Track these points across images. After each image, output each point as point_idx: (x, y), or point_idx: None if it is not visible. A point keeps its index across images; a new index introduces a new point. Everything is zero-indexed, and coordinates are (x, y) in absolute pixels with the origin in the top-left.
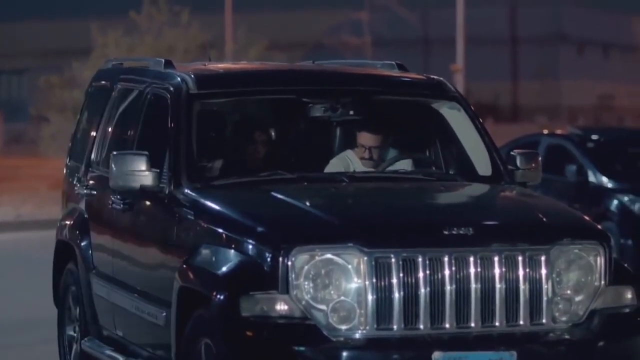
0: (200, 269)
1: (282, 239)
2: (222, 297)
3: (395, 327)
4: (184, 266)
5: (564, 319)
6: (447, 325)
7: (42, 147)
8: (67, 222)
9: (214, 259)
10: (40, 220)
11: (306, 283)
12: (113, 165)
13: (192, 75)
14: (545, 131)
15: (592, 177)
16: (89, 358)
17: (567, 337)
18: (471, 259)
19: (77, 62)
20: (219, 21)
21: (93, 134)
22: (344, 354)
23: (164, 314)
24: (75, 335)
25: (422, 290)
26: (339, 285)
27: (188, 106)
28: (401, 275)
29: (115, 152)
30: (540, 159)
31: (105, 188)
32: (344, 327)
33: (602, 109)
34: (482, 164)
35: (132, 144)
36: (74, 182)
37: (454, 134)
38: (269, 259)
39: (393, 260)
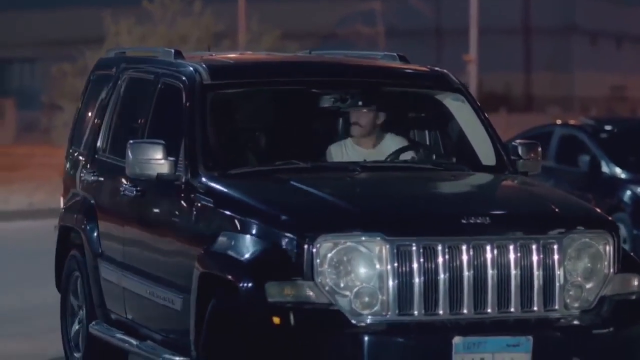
0: (224, 256)
1: (307, 227)
2: (247, 283)
3: (416, 312)
4: (206, 253)
5: (575, 305)
6: (465, 311)
7: (54, 135)
8: (72, 208)
9: (237, 246)
10: (52, 209)
11: (330, 270)
12: (130, 153)
13: (205, 66)
14: (559, 122)
15: (605, 168)
16: (97, 341)
17: (578, 322)
18: (488, 247)
19: (90, 50)
20: (231, 10)
21: (97, 121)
22: (368, 338)
23: (181, 298)
24: (80, 319)
25: (442, 277)
26: (362, 272)
27: (202, 96)
28: (421, 262)
29: (132, 141)
30: (539, 149)
31: (115, 175)
32: (366, 313)
33: (614, 100)
34: (486, 154)
35: (142, 133)
36: (80, 169)
37: (457, 124)
38: (294, 247)
39: (414, 248)
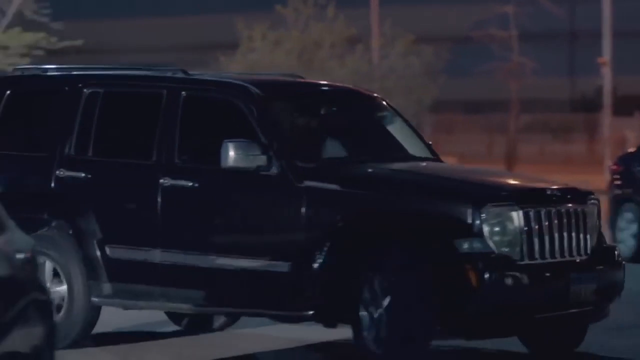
0: (393, 224)
1: (478, 200)
2: (441, 241)
3: (537, 257)
4: (355, 224)
5: (589, 252)
6: (558, 256)
7: None
8: (36, 202)
9: (400, 217)
10: None
11: (492, 229)
12: (230, 150)
13: (250, 83)
14: None
15: None
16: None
17: (601, 263)
18: (562, 211)
19: (223, 56)
20: (365, 15)
21: (62, 129)
22: (527, 275)
23: (289, 263)
24: (63, 295)
25: (546, 233)
26: (510, 229)
27: (268, 106)
28: (536, 222)
29: (227, 140)
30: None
31: (131, 173)
32: (515, 258)
33: None
34: (416, 148)
35: (172, 137)
36: (47, 168)
37: (388, 130)
38: (467, 214)
39: (532, 213)
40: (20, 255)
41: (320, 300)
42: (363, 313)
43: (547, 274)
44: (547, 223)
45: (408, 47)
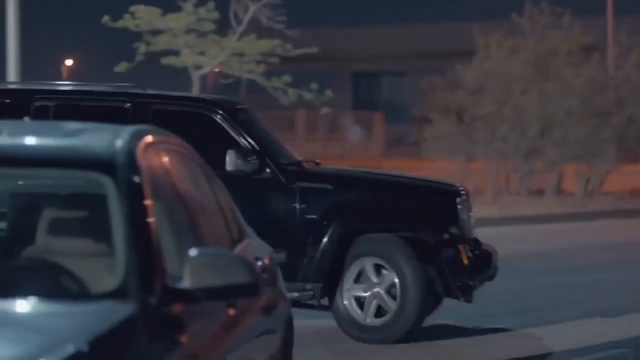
0: (391, 215)
1: (454, 194)
2: (437, 228)
3: (470, 238)
4: (353, 216)
5: None
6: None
7: (424, 148)
8: None
9: (394, 208)
10: None
11: (461, 216)
12: (232, 156)
13: (220, 98)
14: None
15: None
16: None
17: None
18: (468, 203)
19: (459, 64)
20: (601, 23)
21: None
22: (482, 250)
23: (286, 253)
24: None
25: (471, 218)
26: (466, 217)
27: (243, 117)
28: (467, 211)
29: (230, 150)
30: None
31: None
32: (472, 239)
33: None
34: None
35: None
36: None
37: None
38: (451, 205)
39: (467, 204)
40: (259, 262)
41: (314, 286)
42: (351, 295)
43: (490, 250)
44: (469, 211)
45: None
